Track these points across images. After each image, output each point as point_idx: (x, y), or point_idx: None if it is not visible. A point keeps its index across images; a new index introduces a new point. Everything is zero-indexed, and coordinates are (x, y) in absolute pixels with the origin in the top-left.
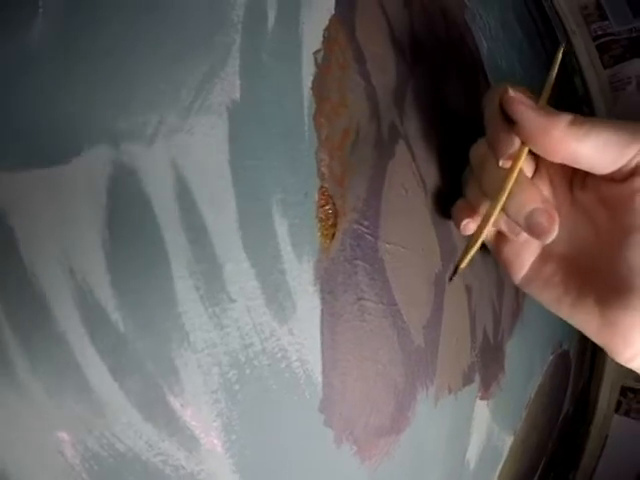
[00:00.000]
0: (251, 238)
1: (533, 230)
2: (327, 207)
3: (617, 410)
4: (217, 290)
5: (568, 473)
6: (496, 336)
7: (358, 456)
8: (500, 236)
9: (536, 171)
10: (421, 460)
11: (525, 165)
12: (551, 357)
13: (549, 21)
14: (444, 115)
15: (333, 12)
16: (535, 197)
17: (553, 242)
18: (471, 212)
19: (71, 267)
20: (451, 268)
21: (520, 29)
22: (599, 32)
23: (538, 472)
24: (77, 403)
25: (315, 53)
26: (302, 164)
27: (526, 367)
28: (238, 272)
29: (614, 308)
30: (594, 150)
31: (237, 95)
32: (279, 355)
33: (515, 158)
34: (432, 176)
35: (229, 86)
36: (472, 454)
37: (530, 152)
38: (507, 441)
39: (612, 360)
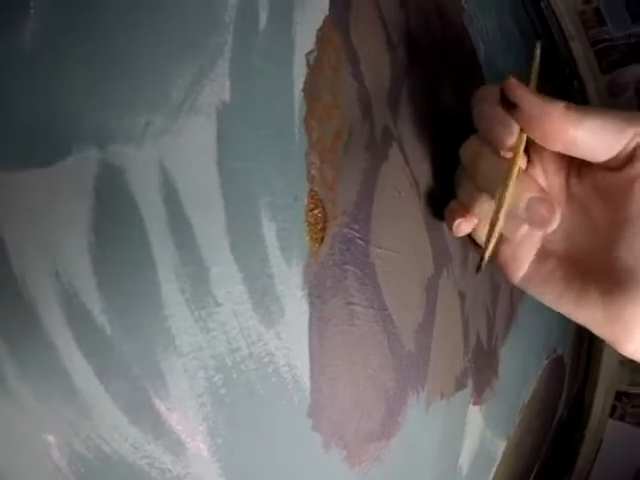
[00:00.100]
0: (239, 241)
1: (534, 220)
2: (316, 211)
3: (612, 414)
4: (203, 293)
5: (563, 477)
6: (490, 341)
7: (347, 461)
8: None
9: (529, 164)
10: (412, 465)
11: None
12: (546, 362)
13: (547, 24)
14: (439, 117)
15: (327, 13)
16: (532, 187)
17: (550, 238)
18: (464, 212)
19: (57, 270)
20: (477, 261)
21: (518, 32)
22: (598, 37)
23: (532, 476)
24: (64, 406)
25: (307, 54)
26: (292, 167)
27: (520, 372)
28: (225, 276)
29: (618, 301)
30: (590, 135)
31: (227, 96)
32: (266, 359)
33: (516, 147)
34: (426, 179)
35: (219, 87)
36: (465, 459)
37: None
38: (500, 446)
39: (607, 365)
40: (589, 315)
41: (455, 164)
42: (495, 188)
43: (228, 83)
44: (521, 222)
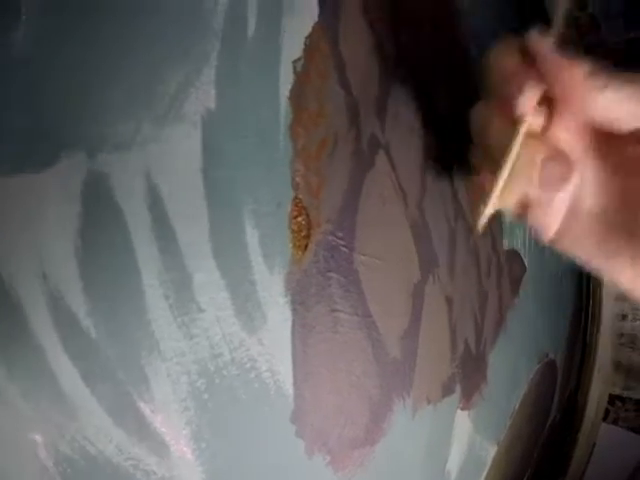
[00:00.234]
0: (222, 248)
1: (548, 180)
2: (300, 218)
3: (605, 418)
4: (186, 300)
5: None
6: (478, 347)
7: (331, 467)
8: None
9: (551, 124)
10: (397, 470)
11: (536, 121)
12: (537, 366)
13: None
14: (428, 124)
15: (316, 19)
16: (544, 148)
17: (581, 194)
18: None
19: (44, 272)
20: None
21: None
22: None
23: (525, 479)
24: (51, 407)
25: (295, 62)
26: (276, 174)
27: (510, 377)
28: (208, 282)
29: None
30: (612, 101)
31: (212, 104)
32: (248, 365)
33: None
34: (413, 186)
35: (204, 95)
36: (453, 465)
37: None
38: (490, 451)
39: (600, 369)
40: (618, 271)
41: (445, 170)
42: (504, 153)
43: (214, 91)
44: (536, 184)
